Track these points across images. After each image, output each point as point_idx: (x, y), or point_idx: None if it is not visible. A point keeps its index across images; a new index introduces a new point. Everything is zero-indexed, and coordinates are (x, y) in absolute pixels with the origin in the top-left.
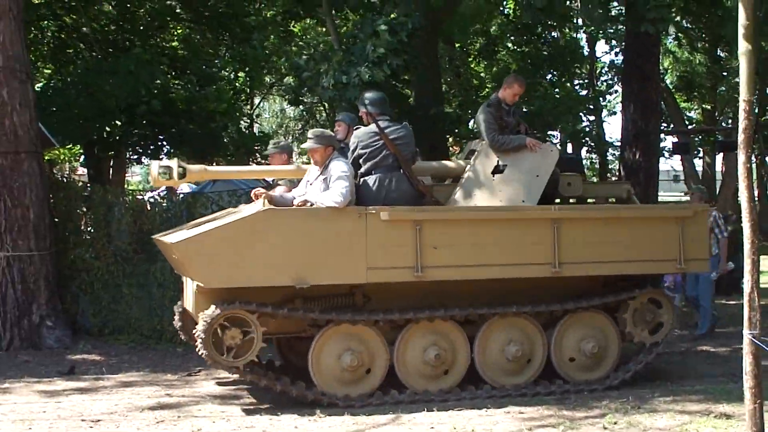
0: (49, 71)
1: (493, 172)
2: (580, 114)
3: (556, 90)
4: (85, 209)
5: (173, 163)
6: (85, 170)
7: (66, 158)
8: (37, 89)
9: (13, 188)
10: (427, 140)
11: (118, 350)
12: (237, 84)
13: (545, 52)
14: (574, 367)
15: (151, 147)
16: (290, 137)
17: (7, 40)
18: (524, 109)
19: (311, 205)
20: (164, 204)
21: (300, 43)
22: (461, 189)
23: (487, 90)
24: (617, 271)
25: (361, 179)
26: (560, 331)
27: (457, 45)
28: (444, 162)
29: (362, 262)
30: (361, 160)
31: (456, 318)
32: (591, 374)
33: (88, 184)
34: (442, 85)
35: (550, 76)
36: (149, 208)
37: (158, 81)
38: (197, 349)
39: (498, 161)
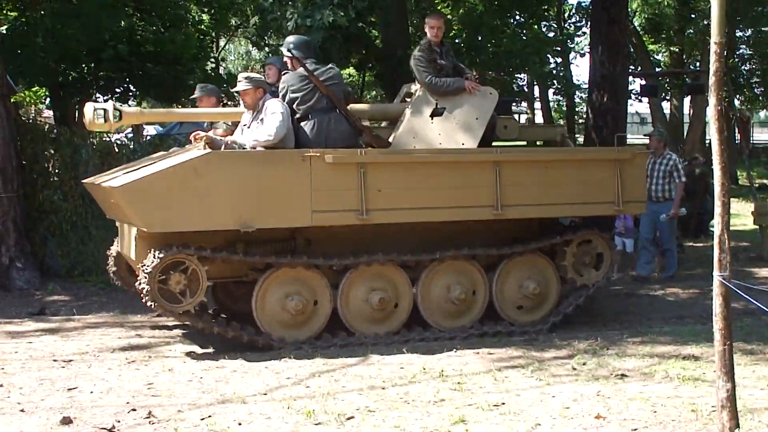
0: (14, 15)
1: (432, 115)
2: (548, 56)
3: (524, 32)
4: (52, 151)
5: (109, 105)
6: (51, 113)
7: (32, 101)
8: (2, 32)
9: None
10: (396, 82)
11: (87, 291)
12: (202, 26)
13: None
14: (515, 308)
15: (118, 90)
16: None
17: None
18: (491, 51)
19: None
20: (131, 146)
21: None
22: (400, 132)
23: (453, 32)
24: (557, 214)
25: (299, 125)
26: (501, 274)
27: None
28: (380, 104)
29: (307, 205)
30: (294, 105)
31: (397, 262)
32: (533, 315)
33: (55, 127)
34: (409, 27)
35: (518, 17)
36: (116, 150)
37: (122, 23)
38: (142, 299)
39: (436, 104)
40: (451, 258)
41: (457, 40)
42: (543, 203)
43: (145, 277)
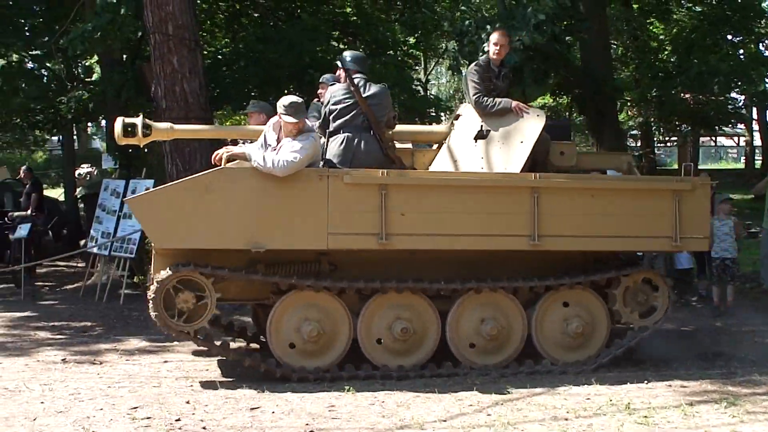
0: (224, 41)
1: (476, 138)
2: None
3: (740, 51)
4: None
5: (138, 120)
6: None
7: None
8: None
9: (184, 153)
10: (594, 105)
11: None
12: (407, 49)
13: (726, 11)
14: (555, 345)
15: None
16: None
17: (177, 9)
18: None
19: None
20: None
21: (462, 7)
22: (442, 154)
23: (666, 53)
24: (602, 247)
25: (330, 138)
26: (542, 308)
27: (635, 6)
28: (427, 126)
29: (323, 227)
30: (331, 117)
31: (426, 291)
32: (575, 354)
33: None
34: (618, 48)
35: (730, 36)
36: None
37: (321, 47)
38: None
39: (482, 125)
40: (488, 289)
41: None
42: (587, 235)
43: (152, 293)
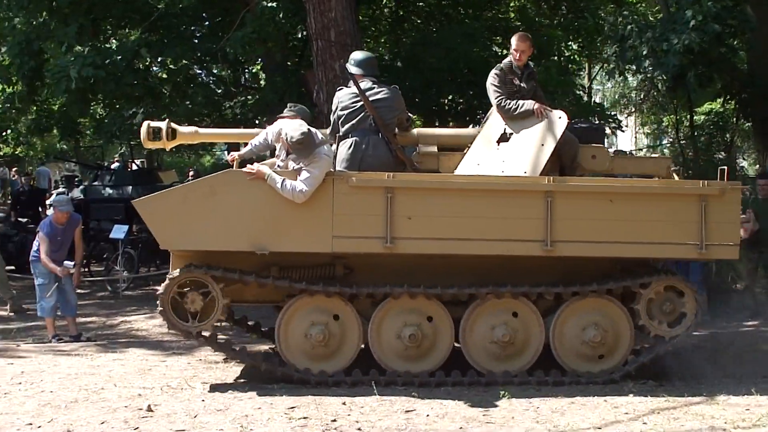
0: (387, 46)
1: (499, 141)
2: None
3: None
4: None
5: (163, 124)
6: None
7: None
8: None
9: None
10: (761, 110)
11: None
12: (570, 54)
13: None
14: (575, 356)
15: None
16: (632, 107)
17: (339, 15)
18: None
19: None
20: None
21: (624, 12)
22: (467, 158)
23: None
24: (620, 254)
25: (339, 143)
26: (561, 317)
27: None
28: (454, 129)
29: (328, 229)
30: (339, 122)
31: (441, 297)
32: (594, 365)
33: None
34: None
35: None
36: None
37: (477, 49)
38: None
39: (505, 129)
40: (508, 295)
41: None
42: (604, 241)
43: (161, 293)
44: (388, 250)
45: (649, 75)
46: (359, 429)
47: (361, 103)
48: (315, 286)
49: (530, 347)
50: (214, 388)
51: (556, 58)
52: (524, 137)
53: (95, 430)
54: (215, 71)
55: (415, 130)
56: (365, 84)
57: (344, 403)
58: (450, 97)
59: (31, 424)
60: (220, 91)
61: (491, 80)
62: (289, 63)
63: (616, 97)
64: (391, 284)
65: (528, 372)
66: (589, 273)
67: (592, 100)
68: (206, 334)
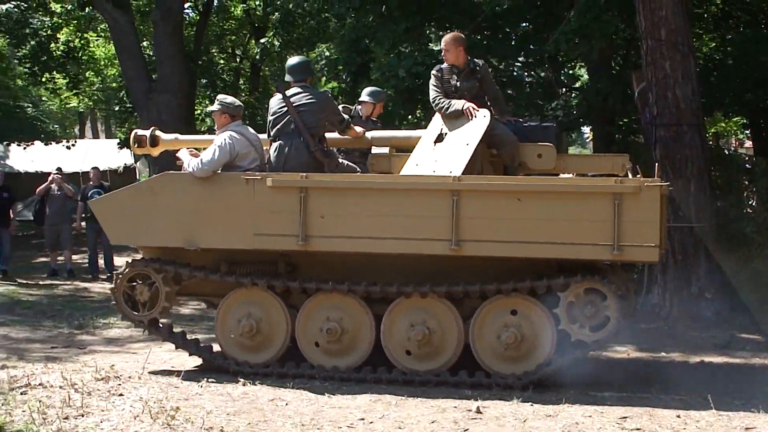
0: (712, 44)
1: (436, 141)
2: None
3: None
4: (746, 182)
5: (147, 132)
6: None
7: (732, 131)
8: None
9: (674, 160)
10: None
11: None
12: None
13: None
14: (493, 356)
15: None
16: None
17: (669, 13)
18: None
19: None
20: None
21: None
22: (411, 159)
23: None
24: (528, 254)
25: (271, 146)
26: (480, 316)
27: None
28: (404, 131)
29: (249, 227)
30: (269, 126)
31: (360, 294)
32: (515, 367)
33: (753, 157)
34: None
35: None
36: None
37: None
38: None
39: (441, 128)
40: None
41: None
42: (512, 240)
43: (113, 287)
44: (302, 247)
45: None
46: None
47: (286, 108)
48: (244, 279)
49: (448, 347)
50: (538, 393)
51: None
52: (455, 137)
53: (425, 429)
54: (534, 72)
55: (369, 133)
56: (293, 90)
57: (678, 416)
58: None
59: (363, 419)
60: (539, 91)
61: (431, 80)
62: (612, 62)
63: None
64: (316, 281)
65: (450, 372)
66: (520, 274)
67: None
68: (164, 321)
